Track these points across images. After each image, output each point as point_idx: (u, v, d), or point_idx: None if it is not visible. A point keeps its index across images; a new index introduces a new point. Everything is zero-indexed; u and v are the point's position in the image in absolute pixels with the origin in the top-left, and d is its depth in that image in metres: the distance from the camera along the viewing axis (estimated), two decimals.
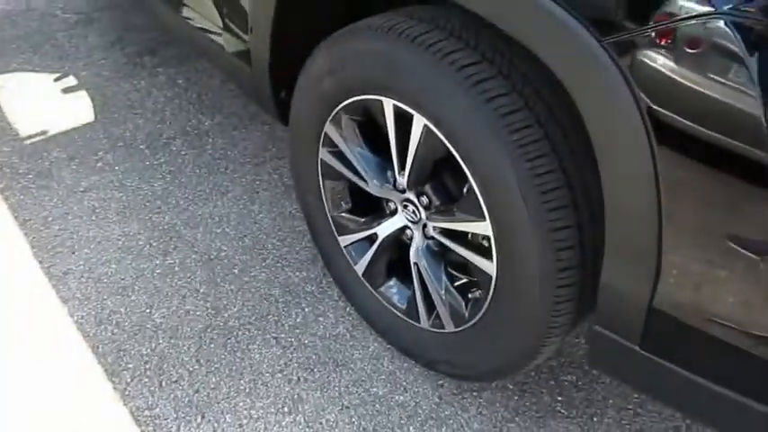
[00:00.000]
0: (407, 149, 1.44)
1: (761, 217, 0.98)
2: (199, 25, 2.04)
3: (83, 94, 2.60)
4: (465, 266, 1.55)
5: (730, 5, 0.93)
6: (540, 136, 1.24)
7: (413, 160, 1.44)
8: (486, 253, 1.40)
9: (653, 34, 0.98)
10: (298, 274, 1.96)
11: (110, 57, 2.78)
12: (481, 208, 1.32)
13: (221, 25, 1.88)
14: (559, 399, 1.69)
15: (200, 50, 2.26)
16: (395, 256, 1.69)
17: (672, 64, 0.98)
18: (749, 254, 1.01)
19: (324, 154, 1.65)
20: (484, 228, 1.35)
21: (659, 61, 0.99)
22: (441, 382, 1.72)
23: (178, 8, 2.11)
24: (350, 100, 1.50)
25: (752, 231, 1.01)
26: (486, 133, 1.25)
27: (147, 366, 1.74)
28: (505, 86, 1.25)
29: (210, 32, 1.98)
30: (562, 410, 1.66)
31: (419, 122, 1.37)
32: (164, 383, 1.71)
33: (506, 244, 1.32)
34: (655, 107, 1.00)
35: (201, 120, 2.48)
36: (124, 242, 2.05)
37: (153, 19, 2.90)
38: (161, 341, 1.80)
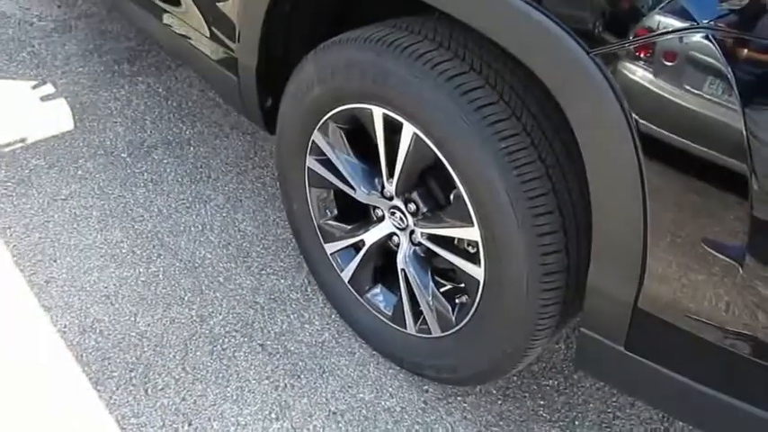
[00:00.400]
0: (396, 157, 1.46)
1: (742, 223, 1.03)
2: (181, 32, 2.04)
3: (61, 102, 2.58)
4: (451, 272, 1.58)
5: (711, 20, 0.98)
6: (526, 144, 1.27)
7: (401, 168, 1.47)
8: (473, 258, 1.43)
9: (640, 47, 1.03)
10: (283, 281, 1.97)
11: (88, 65, 2.76)
12: (470, 214, 1.36)
13: (207, 33, 1.89)
14: (541, 403, 1.72)
15: (181, 58, 2.26)
16: (381, 263, 1.71)
17: (657, 75, 1.02)
18: (730, 259, 1.06)
19: (311, 162, 1.67)
20: (472, 233, 1.38)
21: (646, 73, 1.03)
22: (426, 387, 1.74)
23: (159, 15, 2.11)
24: (338, 108, 1.52)
25: (733, 237, 1.05)
26: (474, 141, 1.29)
27: (133, 374, 1.73)
28: (493, 96, 1.28)
29: (194, 40, 1.99)
30: (544, 414, 1.70)
31: (408, 131, 1.40)
32: (150, 391, 1.70)
33: (494, 249, 1.35)
34: (641, 117, 1.05)
35: (182, 128, 2.48)
36: (106, 250, 2.04)
37: (131, 27, 2.90)
38: (146, 349, 1.79)
